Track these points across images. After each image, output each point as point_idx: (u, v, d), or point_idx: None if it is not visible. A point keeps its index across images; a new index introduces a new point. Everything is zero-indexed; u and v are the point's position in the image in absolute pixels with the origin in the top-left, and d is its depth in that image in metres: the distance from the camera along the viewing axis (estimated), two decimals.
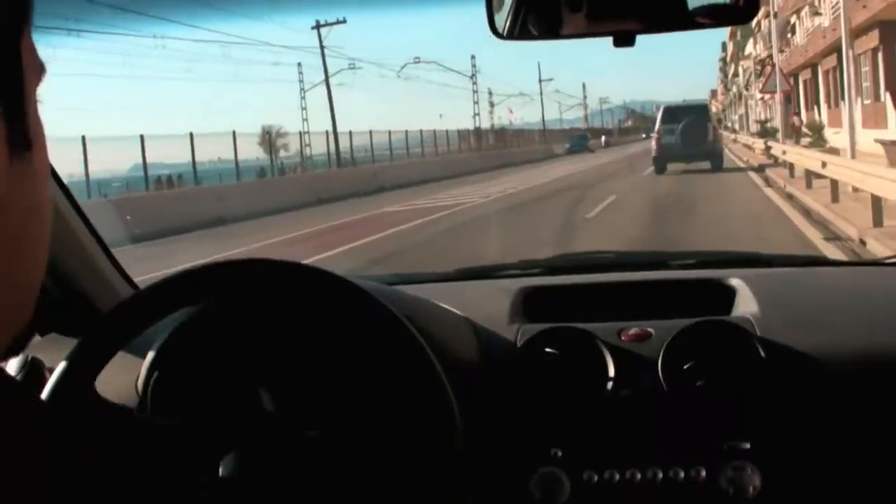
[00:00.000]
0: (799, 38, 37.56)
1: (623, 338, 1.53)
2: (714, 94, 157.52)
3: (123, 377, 1.25)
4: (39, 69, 0.47)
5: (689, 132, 22.61)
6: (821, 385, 1.45)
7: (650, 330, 1.54)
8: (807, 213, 12.17)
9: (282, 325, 1.23)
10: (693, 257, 2.07)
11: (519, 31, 1.24)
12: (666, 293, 1.75)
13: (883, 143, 17.16)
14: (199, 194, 20.12)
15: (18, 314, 0.48)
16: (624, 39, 1.18)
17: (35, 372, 1.25)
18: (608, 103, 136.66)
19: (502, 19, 1.24)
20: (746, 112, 78.68)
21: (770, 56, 35.94)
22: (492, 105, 78.21)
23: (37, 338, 1.43)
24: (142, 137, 19.92)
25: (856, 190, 11.27)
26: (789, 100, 45.29)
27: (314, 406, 1.20)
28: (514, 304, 1.66)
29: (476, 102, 61.44)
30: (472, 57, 62.36)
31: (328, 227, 15.50)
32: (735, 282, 1.70)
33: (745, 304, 1.62)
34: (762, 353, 1.45)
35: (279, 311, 1.21)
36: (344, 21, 33.73)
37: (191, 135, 21.54)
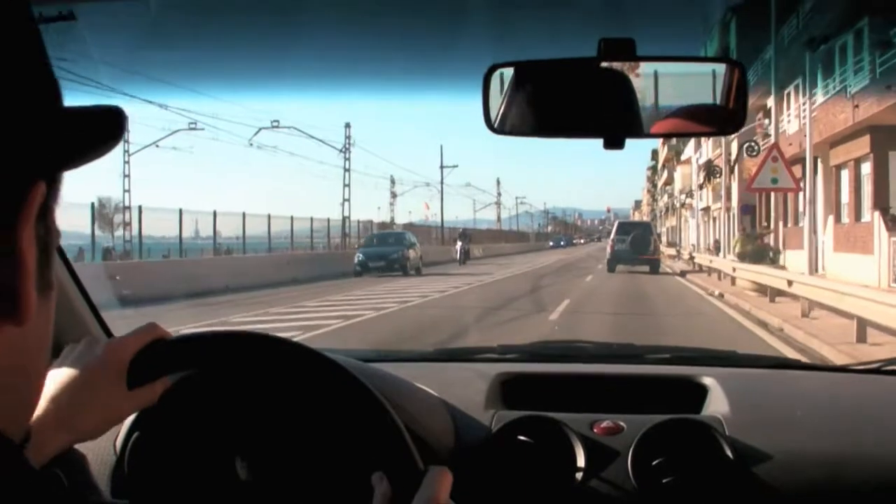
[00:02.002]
0: (783, 125, 27.01)
1: (595, 430, 1.56)
2: (638, 204, 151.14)
3: (102, 436, 1.15)
4: (58, 233, 0.58)
5: (637, 242, 28.01)
6: (786, 487, 1.46)
7: (622, 424, 1.56)
8: None
9: (260, 396, 1.20)
10: (668, 352, 2.14)
11: (514, 127, 1.25)
12: (639, 388, 1.80)
13: None
14: None
15: (15, 429, 0.56)
16: (613, 142, 1.19)
17: None
18: (525, 203, 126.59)
19: (496, 114, 1.25)
20: (680, 225, 69.43)
21: (749, 146, 25.09)
22: (394, 195, 66.70)
23: None
24: None
25: None
26: (747, 210, 35.00)
27: (288, 478, 1.19)
28: (492, 390, 1.70)
29: (347, 185, 42.08)
30: (347, 126, 42.80)
31: None
32: (707, 380, 1.74)
33: (716, 403, 1.66)
34: (730, 453, 1.49)
35: (257, 383, 1.19)
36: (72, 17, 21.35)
37: None
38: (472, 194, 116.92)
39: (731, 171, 31.34)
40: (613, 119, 1.21)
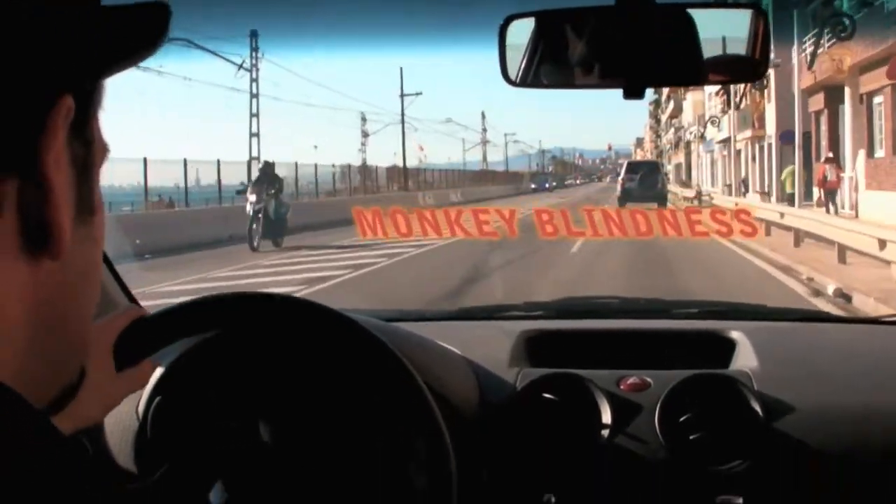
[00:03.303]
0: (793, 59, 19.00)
1: (622, 386, 1.54)
2: (640, 142, 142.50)
3: (124, 402, 1.16)
4: (104, 148, 0.52)
5: (646, 180, 30.76)
6: (816, 441, 1.44)
7: (649, 380, 1.54)
8: None
9: (282, 358, 1.20)
10: (695, 307, 2.11)
11: (531, 79, 1.25)
12: (666, 343, 1.79)
13: None
14: None
15: (67, 368, 0.53)
16: (633, 91, 1.19)
17: None
18: (522, 142, 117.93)
19: (515, 67, 1.25)
20: (688, 161, 61.44)
21: (839, 23, 17.18)
22: (365, 135, 58.40)
23: None
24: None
25: None
26: (787, 138, 26.87)
27: (311, 439, 1.18)
28: (516, 348, 1.69)
29: (255, 115, 29.88)
30: (252, 34, 29.60)
31: None
32: (735, 334, 1.72)
33: (745, 358, 1.64)
34: (758, 408, 1.46)
35: (279, 344, 1.19)
36: None
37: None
38: (455, 131, 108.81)
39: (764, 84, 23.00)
40: (634, 68, 1.19)
